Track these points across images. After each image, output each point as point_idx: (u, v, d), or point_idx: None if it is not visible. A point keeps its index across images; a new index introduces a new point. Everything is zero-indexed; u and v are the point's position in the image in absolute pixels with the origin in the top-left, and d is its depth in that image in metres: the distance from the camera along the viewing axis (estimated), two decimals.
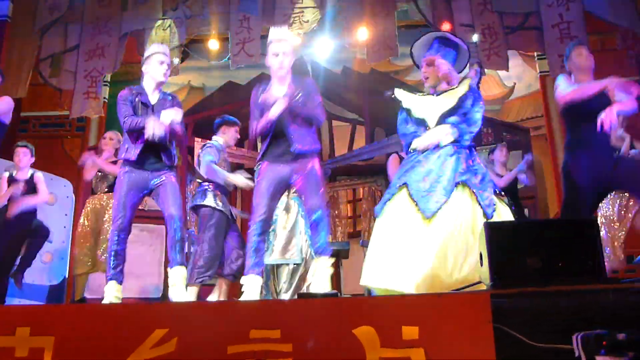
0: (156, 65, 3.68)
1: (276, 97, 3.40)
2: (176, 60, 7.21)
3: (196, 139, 7.31)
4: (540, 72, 7.09)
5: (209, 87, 9.36)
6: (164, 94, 3.77)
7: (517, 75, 8.84)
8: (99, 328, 2.26)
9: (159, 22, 7.22)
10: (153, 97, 3.71)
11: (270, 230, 4.62)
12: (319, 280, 3.39)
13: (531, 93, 8.71)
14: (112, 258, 3.54)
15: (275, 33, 3.51)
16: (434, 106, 3.37)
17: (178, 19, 7.24)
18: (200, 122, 7.12)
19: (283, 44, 3.46)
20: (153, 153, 3.65)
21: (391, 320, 2.13)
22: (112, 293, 3.50)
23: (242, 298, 3.30)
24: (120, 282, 3.56)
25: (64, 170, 6.49)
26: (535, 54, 7.23)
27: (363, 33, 6.98)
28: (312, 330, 2.13)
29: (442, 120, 3.32)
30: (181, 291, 3.52)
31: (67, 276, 6.48)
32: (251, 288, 3.33)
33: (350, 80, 8.76)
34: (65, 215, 6.55)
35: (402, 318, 2.13)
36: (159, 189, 3.64)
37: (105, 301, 3.46)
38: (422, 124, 3.36)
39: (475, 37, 6.72)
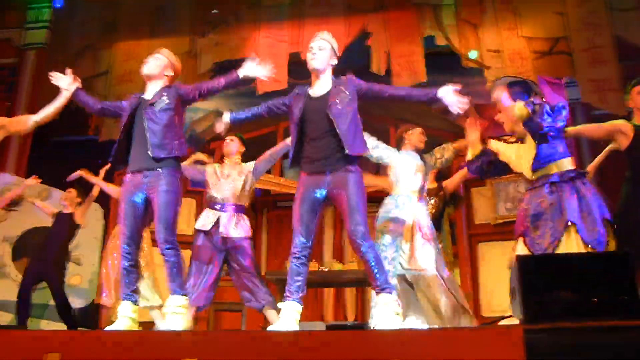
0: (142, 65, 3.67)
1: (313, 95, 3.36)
2: None
3: None
4: (570, 100, 6.94)
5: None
6: (163, 89, 3.56)
7: None
8: (131, 355, 2.26)
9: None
10: (150, 93, 3.56)
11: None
12: (383, 319, 3.06)
13: None
14: (123, 276, 3.33)
15: (317, 33, 3.49)
16: None
17: (206, 46, 7.38)
18: None
19: (319, 41, 3.41)
20: (145, 147, 3.36)
21: (422, 353, 2.09)
22: (124, 313, 3.26)
23: (278, 326, 3.00)
24: (135, 302, 3.32)
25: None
26: (564, 80, 7.15)
27: (389, 60, 7.00)
28: None
29: None
30: (177, 323, 3.20)
31: (95, 299, 6.54)
32: (289, 315, 3.04)
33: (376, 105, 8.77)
34: (95, 238, 6.65)
35: (433, 352, 2.10)
36: (152, 202, 3.32)
37: (117, 321, 3.24)
38: None
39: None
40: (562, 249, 3.08)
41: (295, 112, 3.34)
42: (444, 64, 7.07)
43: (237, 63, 3.65)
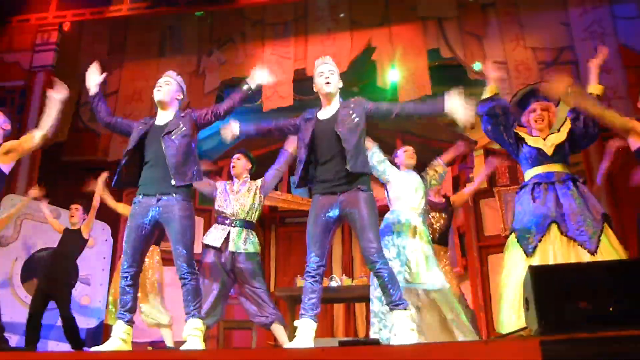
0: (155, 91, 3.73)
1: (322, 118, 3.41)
2: None
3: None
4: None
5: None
6: (178, 113, 3.63)
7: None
8: None
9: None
10: (163, 119, 3.61)
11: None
12: (398, 335, 3.06)
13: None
14: (120, 296, 3.36)
15: (320, 59, 3.57)
16: None
17: (212, 65, 7.44)
18: None
19: (328, 65, 3.49)
20: (160, 172, 3.42)
21: None
22: (116, 334, 3.25)
23: (294, 343, 3.01)
24: (128, 322, 3.30)
25: (103, 213, 6.60)
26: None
27: (394, 73, 7.01)
28: None
29: None
30: (195, 346, 3.20)
31: (104, 319, 6.53)
32: (305, 333, 3.05)
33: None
34: (104, 258, 6.65)
35: None
36: (166, 227, 3.37)
37: (109, 342, 3.21)
38: None
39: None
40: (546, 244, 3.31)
41: (305, 135, 3.41)
42: (449, 76, 7.08)
43: (243, 81, 3.70)
